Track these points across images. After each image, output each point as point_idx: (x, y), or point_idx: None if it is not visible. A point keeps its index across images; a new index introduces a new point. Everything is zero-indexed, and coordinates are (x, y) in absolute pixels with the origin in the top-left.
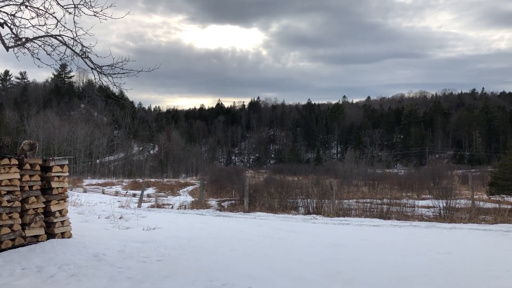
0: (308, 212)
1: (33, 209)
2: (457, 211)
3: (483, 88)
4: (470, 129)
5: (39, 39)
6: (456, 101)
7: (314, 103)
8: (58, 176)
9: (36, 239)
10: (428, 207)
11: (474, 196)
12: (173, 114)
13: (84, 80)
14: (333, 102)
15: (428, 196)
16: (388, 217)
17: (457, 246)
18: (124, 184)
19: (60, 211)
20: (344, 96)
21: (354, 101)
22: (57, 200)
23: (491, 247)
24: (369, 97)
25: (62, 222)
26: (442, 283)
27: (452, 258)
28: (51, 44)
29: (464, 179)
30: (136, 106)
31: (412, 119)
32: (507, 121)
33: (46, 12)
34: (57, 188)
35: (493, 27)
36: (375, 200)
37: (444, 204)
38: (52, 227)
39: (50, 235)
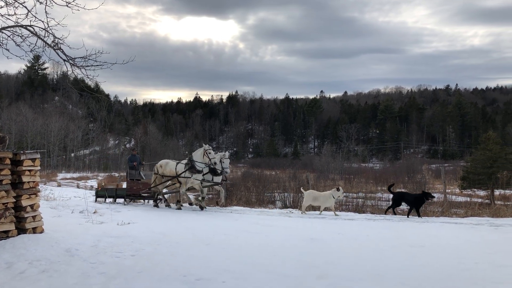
0: (285, 206)
1: (3, 204)
2: (430, 204)
3: (456, 84)
4: (444, 125)
5: (8, 29)
6: (431, 97)
7: (292, 98)
8: (29, 170)
9: (6, 234)
10: None
11: (447, 190)
12: (150, 108)
13: (59, 72)
14: (311, 97)
15: (403, 190)
16: (363, 211)
17: (430, 240)
18: (100, 178)
19: (31, 206)
20: (321, 91)
21: (331, 96)
22: (28, 194)
23: (461, 240)
24: (346, 92)
25: (34, 217)
26: (415, 275)
27: (425, 251)
28: (20, 35)
29: (438, 173)
30: (112, 99)
31: (387, 114)
32: (479, 117)
33: (16, 1)
34: (28, 182)
35: (467, 24)
36: (351, 194)
37: None
38: (23, 222)
39: (21, 230)
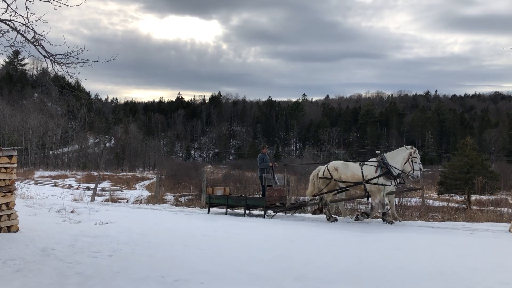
0: None
1: None
2: (408, 208)
3: (436, 90)
4: (423, 130)
5: None
6: (411, 102)
7: (275, 100)
8: (5, 168)
9: None
10: None
11: (425, 195)
12: (131, 107)
13: (38, 69)
14: (293, 99)
15: None
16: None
17: (406, 243)
18: (78, 177)
19: (6, 204)
20: (304, 94)
21: (314, 99)
22: (4, 192)
23: (437, 244)
24: (328, 96)
25: (9, 215)
26: (390, 277)
27: (401, 254)
28: None
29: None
30: (92, 97)
31: (368, 118)
32: (457, 123)
33: None
34: (4, 180)
35: (448, 31)
36: None
37: (396, 202)
38: None
39: None
